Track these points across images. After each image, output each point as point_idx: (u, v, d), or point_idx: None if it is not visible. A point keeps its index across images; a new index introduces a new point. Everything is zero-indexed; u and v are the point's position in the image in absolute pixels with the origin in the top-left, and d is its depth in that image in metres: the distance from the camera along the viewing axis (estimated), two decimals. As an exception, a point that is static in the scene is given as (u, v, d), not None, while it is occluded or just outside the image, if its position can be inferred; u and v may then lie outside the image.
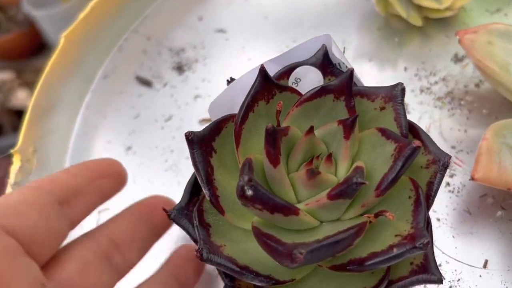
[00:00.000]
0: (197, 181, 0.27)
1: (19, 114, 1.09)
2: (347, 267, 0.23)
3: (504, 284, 0.29)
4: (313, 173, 0.24)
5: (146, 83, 0.43)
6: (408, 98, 0.37)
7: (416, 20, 0.40)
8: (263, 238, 0.22)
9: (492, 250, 0.30)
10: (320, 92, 0.26)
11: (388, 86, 0.27)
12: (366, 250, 0.23)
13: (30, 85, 1.15)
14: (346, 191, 0.22)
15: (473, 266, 0.29)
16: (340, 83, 0.26)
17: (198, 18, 0.47)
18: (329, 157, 0.25)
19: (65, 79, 0.41)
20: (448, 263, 0.30)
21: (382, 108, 0.27)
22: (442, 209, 0.32)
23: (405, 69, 0.39)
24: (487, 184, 0.29)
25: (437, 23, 0.41)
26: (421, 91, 0.38)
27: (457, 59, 0.39)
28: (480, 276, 0.29)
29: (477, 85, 0.38)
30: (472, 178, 0.29)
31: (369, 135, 0.26)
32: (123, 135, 0.40)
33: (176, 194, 0.36)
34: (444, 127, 0.36)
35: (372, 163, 0.25)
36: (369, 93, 0.27)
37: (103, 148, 0.39)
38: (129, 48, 0.46)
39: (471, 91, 0.37)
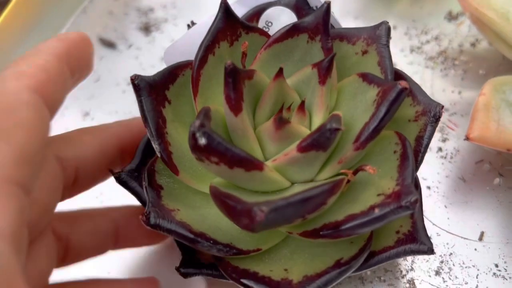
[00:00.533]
0: (150, 143, 0.23)
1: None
2: (320, 233, 0.19)
3: (502, 258, 0.25)
4: (281, 122, 0.20)
5: (109, 44, 0.39)
6: (397, 58, 0.34)
7: (406, -26, 0.36)
8: (221, 197, 0.19)
9: (488, 221, 0.26)
10: (292, 31, 0.23)
11: (370, 26, 0.23)
12: (343, 212, 0.19)
13: None
14: (319, 140, 0.19)
15: (467, 239, 0.26)
16: (315, 20, 0.22)
17: None
18: (302, 106, 0.21)
19: (20, 40, 0.37)
20: (439, 235, 0.26)
21: (364, 52, 0.23)
22: (433, 177, 0.28)
23: (394, 27, 0.36)
24: (483, 145, 0.25)
25: (429, -22, 0.38)
26: (412, 50, 0.34)
27: (451, 17, 0.36)
28: (475, 249, 0.26)
29: (473, 44, 0.34)
30: (467, 138, 0.25)
31: (349, 83, 0.22)
32: (81, 100, 0.36)
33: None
34: (436, 88, 0.32)
35: (352, 113, 0.21)
36: (349, 35, 0.23)
37: (59, 113, 0.35)
38: (94, 10, 0.42)
39: (466, 50, 0.34)
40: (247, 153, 0.18)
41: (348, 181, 0.20)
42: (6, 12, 0.36)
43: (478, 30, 0.31)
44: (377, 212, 0.18)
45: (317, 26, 0.22)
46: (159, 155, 0.21)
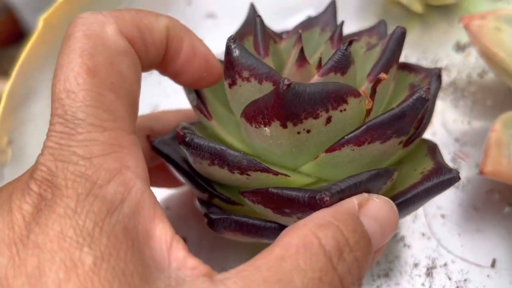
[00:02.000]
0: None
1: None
2: (345, 138, 0.20)
3: (514, 285, 0.27)
4: (302, 60, 0.22)
5: (131, 70, 0.40)
6: (409, 88, 0.36)
7: (417, 6, 0.38)
8: (251, 104, 0.20)
9: (500, 248, 0.28)
10: (307, 25, 0.27)
11: (370, 26, 0.27)
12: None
13: (7, 74, 1.11)
14: (337, 60, 0.21)
15: (480, 266, 0.28)
16: (325, 15, 0.27)
17: (187, 2, 0.44)
18: (320, 63, 0.23)
19: (43, 66, 0.39)
20: (454, 262, 0.28)
21: (368, 44, 0.26)
22: (447, 205, 0.30)
23: (405, 57, 0.37)
24: (496, 179, 0.27)
25: (438, 10, 0.40)
26: (422, 81, 0.36)
27: (459, 47, 0.38)
28: (488, 276, 0.27)
29: (480, 75, 0.36)
30: (481, 172, 0.27)
31: (357, 57, 0.25)
32: (107, 126, 0.37)
33: (164, 190, 0.33)
34: (447, 119, 0.34)
35: (362, 72, 0.23)
36: (354, 35, 0.26)
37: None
38: (113, 34, 0.43)
39: (474, 81, 0.36)
40: (273, 68, 0.20)
41: (369, 110, 0.21)
42: (31, 42, 0.38)
43: (485, 63, 0.33)
44: (396, 109, 0.20)
45: (327, 20, 0.26)
46: (194, 103, 0.23)
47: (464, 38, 0.38)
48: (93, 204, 0.16)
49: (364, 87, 0.22)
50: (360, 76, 0.23)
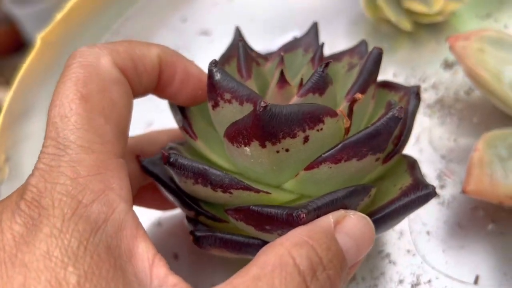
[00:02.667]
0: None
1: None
2: (323, 155, 0.21)
3: (496, 301, 0.28)
4: (283, 82, 0.23)
5: (126, 87, 0.41)
6: (397, 106, 0.36)
7: (405, 25, 0.39)
8: (231, 125, 0.21)
9: (483, 265, 0.29)
10: (290, 47, 0.28)
11: (352, 46, 0.27)
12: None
13: (9, 83, 1.13)
14: (315, 81, 0.21)
15: (464, 282, 0.28)
16: (308, 37, 0.28)
17: (182, 20, 0.45)
18: (301, 84, 0.24)
19: (41, 83, 0.40)
20: (438, 279, 0.29)
21: (350, 64, 0.27)
22: (432, 222, 0.31)
23: (394, 75, 0.38)
24: (479, 197, 0.28)
25: (427, 28, 0.40)
26: (411, 98, 0.37)
27: (447, 65, 0.38)
28: (471, 292, 0.28)
29: (467, 93, 0.37)
30: (464, 191, 0.28)
31: (339, 78, 0.26)
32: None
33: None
34: (434, 136, 0.35)
35: (342, 93, 0.24)
36: (336, 56, 0.27)
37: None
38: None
39: (461, 98, 0.37)
40: (253, 90, 0.21)
41: (347, 128, 0.22)
42: (28, 60, 0.38)
43: (471, 82, 0.34)
44: (370, 127, 0.20)
45: (310, 42, 0.27)
46: (180, 124, 0.24)
47: (452, 56, 0.38)
48: (78, 224, 0.17)
49: (342, 106, 0.23)
50: (340, 95, 0.24)
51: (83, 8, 0.43)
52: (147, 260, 0.18)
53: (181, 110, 0.25)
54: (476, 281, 0.28)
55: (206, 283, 0.29)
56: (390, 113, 0.21)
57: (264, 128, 0.19)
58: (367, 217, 0.21)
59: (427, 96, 0.37)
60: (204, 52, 0.43)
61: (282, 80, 0.23)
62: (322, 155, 0.21)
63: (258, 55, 0.27)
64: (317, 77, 0.21)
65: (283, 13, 0.44)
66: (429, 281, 0.28)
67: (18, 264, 0.16)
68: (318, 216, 0.20)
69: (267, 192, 0.21)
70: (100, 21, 0.45)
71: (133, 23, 0.46)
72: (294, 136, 0.20)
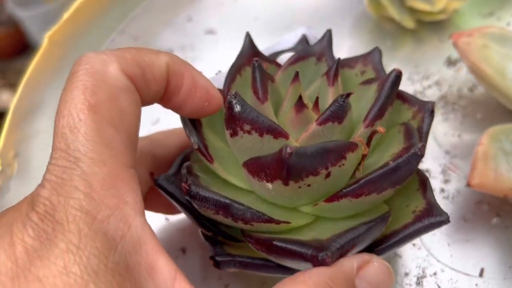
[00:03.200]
0: (186, 157, 0.26)
1: (1, 115, 1.07)
2: (343, 191, 0.21)
3: (501, 293, 0.28)
4: (301, 106, 0.23)
5: (133, 85, 0.41)
6: (401, 102, 0.37)
7: (408, 23, 0.40)
8: (252, 160, 0.21)
9: (488, 258, 0.29)
10: (303, 55, 0.27)
11: (365, 53, 0.27)
12: (362, 175, 0.22)
13: (13, 86, 1.13)
14: (335, 111, 0.22)
15: (469, 275, 0.29)
16: (321, 45, 0.27)
17: (187, 19, 0.46)
18: (317, 102, 0.24)
19: (48, 81, 0.40)
20: (444, 271, 0.29)
21: (363, 72, 0.27)
22: (437, 216, 0.31)
23: (398, 72, 0.39)
24: (483, 191, 0.28)
25: (430, 26, 0.41)
26: (415, 95, 0.37)
27: (450, 62, 0.39)
28: (476, 285, 0.28)
29: (470, 89, 0.37)
30: (468, 185, 0.28)
31: (349, 79, 0.26)
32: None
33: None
34: (438, 132, 0.35)
35: (359, 111, 0.24)
36: (349, 62, 0.27)
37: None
38: (116, 49, 0.45)
39: (464, 95, 0.37)
40: (274, 121, 0.21)
41: (364, 155, 0.22)
42: (36, 59, 0.39)
43: (475, 78, 0.34)
44: (392, 164, 0.21)
45: (323, 50, 0.27)
46: (196, 146, 0.23)
47: (455, 53, 0.39)
48: (95, 240, 0.16)
49: (360, 132, 0.23)
50: (356, 113, 0.24)
51: (89, 7, 0.44)
52: (169, 276, 0.18)
53: (195, 128, 0.24)
54: (481, 274, 0.29)
55: (214, 277, 0.29)
56: (412, 151, 0.21)
57: (288, 171, 0.20)
58: (389, 265, 0.21)
59: (430, 93, 0.37)
60: (209, 51, 0.43)
61: (300, 104, 0.23)
62: (343, 190, 0.21)
63: (268, 60, 0.27)
64: (337, 107, 0.22)
65: (287, 12, 0.44)
66: (435, 273, 0.29)
67: (32, 279, 0.16)
68: (341, 255, 0.21)
69: (287, 222, 0.22)
70: (106, 20, 0.45)
71: (138, 22, 0.46)
72: (316, 174, 0.21)
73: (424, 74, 0.38)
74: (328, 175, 0.21)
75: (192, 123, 0.24)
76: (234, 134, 0.21)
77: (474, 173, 0.28)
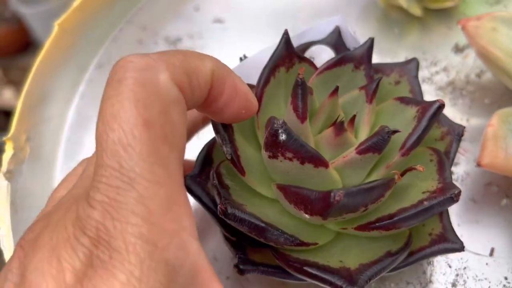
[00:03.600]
0: (209, 153, 0.26)
1: (5, 114, 1.07)
2: (376, 224, 0.22)
3: (511, 272, 0.28)
4: (341, 129, 0.23)
5: (142, 72, 0.42)
6: (410, 88, 0.37)
7: (416, 10, 0.40)
8: (292, 189, 0.22)
9: (498, 238, 0.30)
10: (341, 61, 0.26)
11: (402, 62, 0.27)
12: (394, 207, 0.23)
13: (16, 83, 1.13)
14: (377, 142, 0.22)
15: (479, 254, 0.29)
16: (360, 52, 0.26)
17: (195, 8, 0.46)
18: (352, 120, 0.24)
19: (59, 68, 0.40)
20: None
21: (397, 83, 0.27)
22: (447, 198, 0.31)
23: (406, 59, 0.39)
24: (493, 171, 0.29)
25: (437, 13, 0.41)
26: (422, 81, 0.37)
27: (458, 49, 0.39)
28: (487, 264, 0.29)
29: (478, 75, 0.37)
30: (479, 164, 0.28)
31: (387, 106, 0.26)
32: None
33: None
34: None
35: (391, 125, 0.24)
36: (384, 68, 0.27)
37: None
38: (124, 38, 0.45)
39: (472, 81, 0.37)
40: (317, 151, 0.21)
41: (395, 182, 0.23)
42: (46, 46, 0.39)
43: (483, 63, 0.34)
44: (426, 204, 0.21)
45: (362, 57, 0.26)
46: (229, 157, 0.23)
47: (462, 40, 0.39)
48: (157, 272, 0.16)
49: (395, 159, 0.23)
50: (392, 126, 0.24)
51: (98, -3, 0.44)
52: None
53: (228, 137, 0.23)
54: (491, 253, 0.29)
55: (230, 267, 0.30)
56: (449, 196, 0.21)
57: (332, 211, 0.20)
58: None
59: (438, 79, 0.38)
60: (218, 40, 0.43)
61: (339, 128, 0.23)
62: (376, 223, 0.22)
63: (303, 59, 0.26)
64: (380, 140, 0.22)
65: (295, 0, 0.45)
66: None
67: None
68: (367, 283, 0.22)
69: (315, 243, 0.23)
70: (115, 10, 0.45)
71: (147, 11, 0.47)
72: (355, 211, 0.21)
73: (432, 60, 0.39)
74: (365, 210, 0.22)
75: (226, 130, 0.23)
76: (273, 157, 0.21)
77: (484, 153, 0.29)
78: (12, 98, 1.12)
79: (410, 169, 0.22)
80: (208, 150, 0.26)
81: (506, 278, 0.28)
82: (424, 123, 0.23)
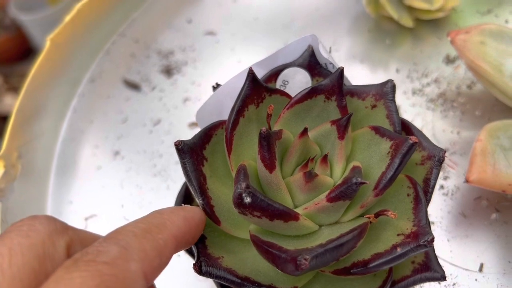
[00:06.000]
0: (187, 191, 0.27)
1: (5, 119, 1.07)
2: (351, 271, 0.22)
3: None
4: (310, 176, 0.23)
5: (134, 86, 0.42)
6: (401, 100, 0.37)
7: (407, 21, 0.40)
8: (264, 246, 0.22)
9: (487, 253, 0.29)
10: (311, 93, 0.26)
11: (378, 84, 0.26)
12: (369, 251, 0.22)
13: (17, 90, 1.14)
14: (346, 192, 0.22)
15: (468, 270, 0.29)
16: (330, 83, 0.25)
17: (187, 21, 0.46)
18: (324, 158, 0.24)
19: (51, 83, 0.40)
20: (443, 267, 0.29)
21: (373, 106, 0.26)
22: (437, 212, 0.31)
23: (397, 70, 0.39)
24: (481, 187, 0.29)
25: (428, 24, 0.41)
26: (414, 93, 0.37)
27: (449, 60, 0.39)
28: (476, 280, 0.29)
29: (469, 87, 0.37)
30: (467, 181, 0.28)
31: (362, 134, 0.25)
32: (111, 140, 0.39)
33: (165, 199, 0.35)
34: (437, 129, 0.35)
35: (368, 162, 0.24)
36: (359, 92, 0.27)
37: (91, 153, 0.38)
38: (117, 52, 0.45)
39: (463, 92, 0.37)
40: (285, 207, 0.21)
41: (371, 222, 0.23)
42: (38, 61, 0.39)
43: (473, 75, 0.34)
44: (399, 250, 0.21)
45: (332, 88, 0.25)
46: (202, 208, 0.23)
47: (453, 51, 0.39)
48: None
49: (369, 200, 0.23)
50: (364, 161, 0.24)
51: (91, 10, 0.44)
52: None
53: (201, 189, 0.23)
54: (480, 269, 0.29)
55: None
56: (422, 243, 0.21)
57: (301, 273, 0.20)
58: None
59: (429, 90, 0.37)
60: (210, 52, 0.43)
61: (309, 175, 0.23)
62: (352, 270, 0.22)
63: (272, 90, 0.26)
64: (348, 188, 0.22)
65: (286, 12, 0.45)
66: (435, 269, 0.29)
67: None
68: None
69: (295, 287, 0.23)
70: (107, 23, 0.45)
71: (139, 25, 0.47)
72: (327, 265, 0.21)
73: (423, 72, 0.39)
74: (337, 261, 0.22)
75: (198, 180, 0.23)
76: (243, 214, 0.22)
77: (473, 168, 0.29)
78: (13, 104, 1.12)
79: (382, 213, 0.22)
80: (187, 188, 0.26)
81: (495, 294, 0.28)
82: (397, 161, 0.22)
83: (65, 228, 0.18)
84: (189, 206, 0.22)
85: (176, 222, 0.20)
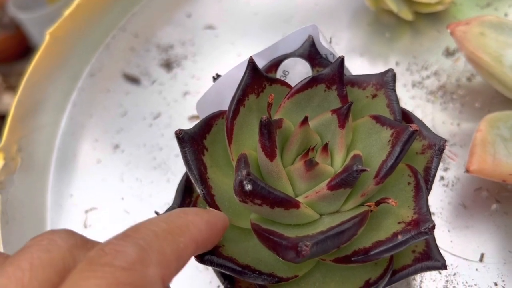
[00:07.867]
0: (188, 182, 0.27)
1: (4, 118, 1.07)
2: (352, 259, 0.22)
3: (501, 277, 0.28)
4: (311, 165, 0.23)
5: (133, 80, 0.42)
6: (400, 93, 0.37)
7: (407, 14, 0.40)
8: (265, 234, 0.21)
9: (488, 243, 0.29)
10: (312, 82, 0.26)
11: (378, 73, 0.26)
12: (370, 239, 0.22)
13: (15, 89, 1.13)
14: (346, 179, 0.22)
15: (469, 260, 0.29)
16: (331, 72, 0.25)
17: (187, 15, 0.46)
18: (325, 147, 0.24)
19: (51, 77, 0.40)
20: (444, 257, 0.29)
21: (374, 96, 0.26)
22: (437, 203, 0.31)
23: (397, 63, 0.39)
24: (482, 176, 0.29)
25: (427, 17, 0.41)
26: (413, 85, 0.37)
27: (449, 53, 0.39)
28: (477, 269, 0.29)
29: (468, 79, 0.37)
30: (467, 171, 0.28)
31: (363, 123, 0.25)
32: (111, 134, 0.39)
33: (165, 192, 0.35)
34: (437, 121, 0.35)
35: (369, 150, 0.24)
36: (360, 81, 0.27)
37: (91, 147, 0.38)
38: (117, 46, 0.45)
39: (463, 85, 0.37)
40: (286, 194, 0.21)
41: (371, 210, 0.23)
42: (37, 55, 0.39)
43: (473, 67, 0.34)
44: (400, 238, 0.21)
45: (333, 78, 0.25)
46: (203, 198, 0.23)
47: (453, 44, 0.39)
48: None
49: (370, 188, 0.23)
50: (364, 150, 0.24)
51: (90, 4, 0.44)
52: None
53: (201, 178, 0.23)
54: (481, 259, 0.29)
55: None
56: (423, 230, 0.21)
57: (302, 260, 0.20)
58: None
59: (429, 83, 0.37)
60: (210, 46, 0.43)
61: (310, 163, 0.23)
62: (353, 258, 0.22)
63: (273, 80, 0.26)
64: (349, 176, 0.22)
65: (286, 6, 0.45)
66: (435, 259, 0.29)
67: None
68: None
69: (295, 276, 0.23)
70: (107, 17, 0.45)
71: (139, 19, 0.47)
72: (328, 253, 0.21)
73: (423, 64, 0.39)
74: (338, 248, 0.22)
75: (198, 169, 0.23)
76: (243, 202, 0.21)
77: (473, 159, 0.29)
78: (11, 103, 1.12)
79: (383, 201, 0.22)
80: (187, 179, 0.26)
81: (496, 284, 0.28)
82: (397, 149, 0.22)
83: (85, 242, 0.18)
84: (214, 210, 0.22)
85: (199, 226, 0.19)
